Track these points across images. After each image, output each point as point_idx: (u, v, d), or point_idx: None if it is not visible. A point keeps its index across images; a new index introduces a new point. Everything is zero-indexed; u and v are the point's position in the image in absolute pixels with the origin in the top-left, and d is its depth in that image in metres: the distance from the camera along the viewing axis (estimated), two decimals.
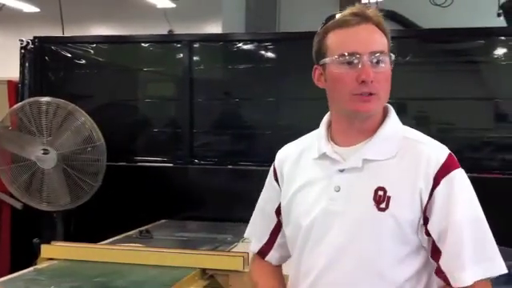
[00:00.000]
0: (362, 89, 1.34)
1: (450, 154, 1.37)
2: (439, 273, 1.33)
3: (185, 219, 3.96)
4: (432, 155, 1.35)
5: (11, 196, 4.07)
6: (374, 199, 1.34)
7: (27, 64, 4.33)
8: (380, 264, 1.34)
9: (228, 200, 3.89)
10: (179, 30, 7.85)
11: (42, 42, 4.35)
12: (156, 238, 3.39)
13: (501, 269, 1.32)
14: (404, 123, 1.47)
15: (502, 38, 3.77)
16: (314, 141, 1.48)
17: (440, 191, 1.32)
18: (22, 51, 4.33)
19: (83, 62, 4.38)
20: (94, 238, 3.12)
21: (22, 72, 4.34)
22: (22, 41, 4.32)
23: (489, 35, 3.81)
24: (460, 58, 3.88)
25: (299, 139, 1.57)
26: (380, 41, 1.37)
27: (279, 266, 1.63)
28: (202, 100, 4.19)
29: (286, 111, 4.06)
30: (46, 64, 4.36)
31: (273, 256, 1.60)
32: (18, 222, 4.27)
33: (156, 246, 3.09)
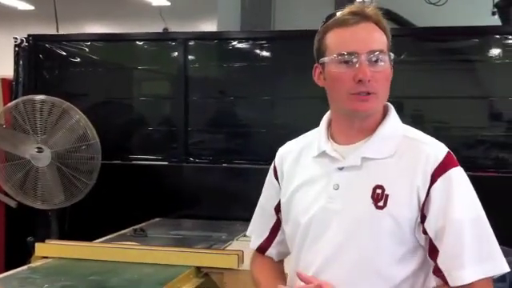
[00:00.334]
0: (360, 88, 1.34)
1: (448, 152, 1.37)
2: (437, 272, 1.33)
3: (179, 217, 3.96)
4: (430, 153, 1.35)
5: (5, 194, 4.05)
6: (372, 197, 1.35)
7: (21, 62, 4.31)
8: (377, 262, 1.34)
9: (223, 198, 3.89)
10: (174, 28, 7.84)
11: (36, 40, 4.34)
12: (151, 237, 3.39)
13: (503, 268, 1.32)
14: None
15: (497, 36, 3.77)
16: (315, 139, 1.49)
17: (437, 189, 1.32)
18: (17, 49, 4.31)
19: (78, 60, 4.37)
20: (88, 236, 3.11)
21: (16, 70, 4.32)
22: (16, 39, 4.30)
23: (483, 34, 3.82)
24: (455, 56, 3.89)
25: (300, 137, 1.57)
26: (379, 39, 1.37)
27: (280, 262, 1.64)
28: (196, 98, 4.18)
29: (281, 110, 4.07)
30: (40, 62, 4.35)
31: (272, 252, 1.61)
32: (13, 221, 4.26)
33: (151, 244, 3.09)
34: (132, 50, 4.42)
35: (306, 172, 1.47)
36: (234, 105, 4.22)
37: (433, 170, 1.33)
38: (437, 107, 3.82)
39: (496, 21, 6.14)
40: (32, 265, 2.74)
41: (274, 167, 1.57)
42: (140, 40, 4.37)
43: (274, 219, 1.58)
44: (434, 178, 1.33)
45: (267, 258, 1.62)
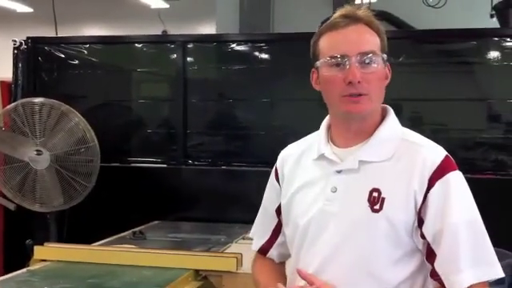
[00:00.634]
0: (350, 90, 1.34)
1: (446, 156, 1.37)
2: (434, 276, 1.33)
3: (178, 220, 3.95)
4: (428, 157, 1.35)
5: (4, 197, 4.05)
6: (369, 200, 1.35)
7: (20, 64, 4.31)
8: (374, 265, 1.35)
9: (222, 201, 3.89)
10: (173, 30, 7.86)
11: (35, 43, 4.34)
12: (149, 239, 3.39)
13: (497, 273, 1.32)
14: None
15: (495, 38, 3.78)
16: (315, 141, 1.50)
17: (434, 193, 1.32)
18: (15, 52, 4.31)
19: (77, 62, 4.37)
20: (87, 239, 3.11)
21: (15, 72, 4.32)
22: (15, 41, 4.30)
23: (482, 36, 3.82)
24: (453, 58, 3.90)
25: (301, 139, 1.58)
26: (370, 41, 1.37)
27: (281, 264, 1.64)
28: (195, 101, 4.18)
29: (280, 112, 4.07)
30: (39, 64, 4.35)
31: (273, 254, 1.61)
32: (11, 223, 4.26)
33: (149, 247, 3.09)
34: (131, 53, 4.42)
35: (306, 174, 1.48)
36: (233, 107, 4.22)
37: (430, 173, 1.33)
38: (435, 109, 3.82)
39: (494, 23, 6.15)
40: (31, 268, 2.73)
41: (276, 169, 1.59)
42: (139, 42, 4.37)
43: (275, 221, 1.59)
44: (432, 182, 1.33)
45: (268, 260, 1.62)
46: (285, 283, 1.52)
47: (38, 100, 3.75)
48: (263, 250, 1.63)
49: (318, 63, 1.40)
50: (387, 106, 1.46)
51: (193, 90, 4.16)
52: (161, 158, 4.20)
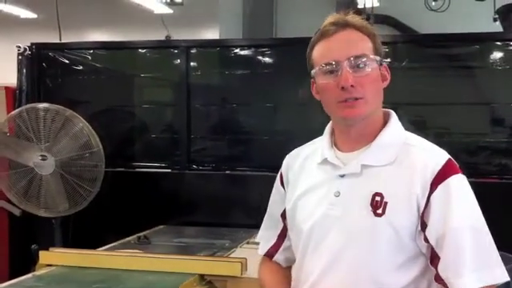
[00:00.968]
0: (345, 95, 1.36)
1: (449, 159, 1.37)
2: (438, 280, 1.33)
3: (183, 225, 3.96)
4: (430, 161, 1.35)
5: (9, 202, 4.07)
6: (371, 205, 1.35)
7: (24, 70, 4.32)
8: (376, 270, 1.35)
9: (226, 205, 3.90)
10: (176, 35, 7.86)
11: (39, 49, 4.35)
12: (154, 244, 3.39)
13: (502, 277, 1.31)
14: None
15: (498, 43, 3.78)
16: (319, 146, 1.51)
17: (437, 197, 1.32)
18: (20, 57, 4.32)
19: (81, 68, 4.39)
20: (92, 244, 3.12)
21: (19, 78, 4.33)
22: (19, 47, 4.32)
23: (485, 40, 3.82)
24: (456, 62, 3.89)
25: (307, 144, 1.59)
26: (360, 45, 1.38)
27: (288, 268, 1.64)
28: (199, 106, 4.19)
29: (284, 117, 4.08)
30: (43, 70, 4.37)
31: (279, 258, 1.62)
32: (16, 229, 4.27)
33: (154, 251, 3.09)
34: (134, 58, 4.44)
35: (310, 179, 1.49)
36: (237, 112, 4.23)
37: (432, 177, 1.33)
38: (439, 113, 3.82)
39: (497, 27, 6.15)
40: (36, 273, 2.74)
41: (281, 174, 1.59)
42: (142, 48, 4.39)
43: (280, 226, 1.60)
44: (434, 185, 1.33)
45: (275, 264, 1.63)
46: (289, 286, 1.53)
47: (42, 105, 3.77)
48: (269, 255, 1.63)
49: (313, 73, 1.43)
50: (390, 111, 1.47)
51: (196, 94, 4.17)
52: (165, 162, 4.20)
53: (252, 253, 3.02)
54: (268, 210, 1.65)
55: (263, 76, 4.13)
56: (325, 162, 1.46)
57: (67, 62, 4.37)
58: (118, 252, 3.03)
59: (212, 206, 3.95)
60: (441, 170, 1.34)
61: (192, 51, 4.20)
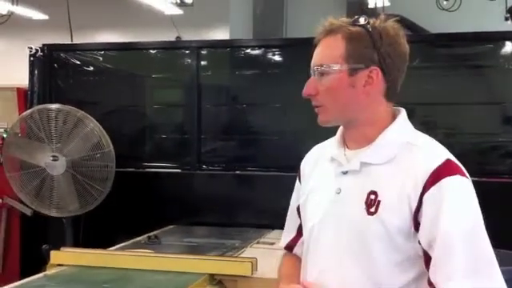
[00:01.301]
0: (312, 102, 1.45)
1: (446, 160, 1.33)
2: (430, 284, 1.29)
3: (193, 225, 3.97)
4: (426, 161, 1.33)
5: (21, 202, 4.09)
6: (366, 203, 1.35)
7: (36, 71, 4.36)
8: (373, 269, 1.34)
9: (236, 205, 3.90)
10: (187, 36, 7.89)
11: (50, 50, 4.38)
12: (164, 244, 3.40)
13: (496, 285, 1.26)
14: None
15: (510, 42, 3.75)
16: (331, 144, 1.53)
17: (429, 198, 1.29)
18: (31, 59, 4.36)
19: (92, 68, 4.41)
20: (102, 243, 3.13)
21: (31, 79, 4.36)
22: (30, 48, 4.35)
23: (496, 39, 3.80)
24: (468, 62, 3.87)
25: (325, 141, 1.61)
26: (326, 53, 1.41)
27: None
28: (209, 106, 4.20)
29: (293, 117, 4.07)
30: (54, 71, 4.39)
31: (298, 251, 1.62)
32: (28, 229, 4.30)
33: (164, 251, 3.10)
34: (145, 59, 4.45)
35: (320, 175, 1.51)
36: (247, 112, 4.23)
37: (426, 178, 1.30)
38: (450, 113, 3.80)
39: (509, 26, 6.11)
40: (47, 272, 2.76)
41: (299, 169, 1.62)
42: (153, 48, 4.40)
43: (298, 220, 1.61)
44: (426, 186, 1.29)
45: (294, 256, 1.64)
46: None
47: (53, 106, 3.80)
48: (289, 247, 1.65)
49: None
50: (400, 109, 1.45)
51: (206, 95, 4.18)
52: (175, 163, 4.21)
53: (262, 252, 3.03)
54: (290, 203, 1.67)
55: (273, 76, 4.12)
56: (332, 159, 1.47)
57: (78, 62, 4.39)
58: (129, 252, 3.04)
59: (222, 206, 3.95)
60: (435, 171, 1.30)
61: (202, 52, 4.21)
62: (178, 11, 8.06)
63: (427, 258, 1.30)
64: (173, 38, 7.80)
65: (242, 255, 3.05)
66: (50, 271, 2.78)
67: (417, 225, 1.31)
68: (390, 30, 1.41)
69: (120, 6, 8.73)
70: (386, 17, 1.44)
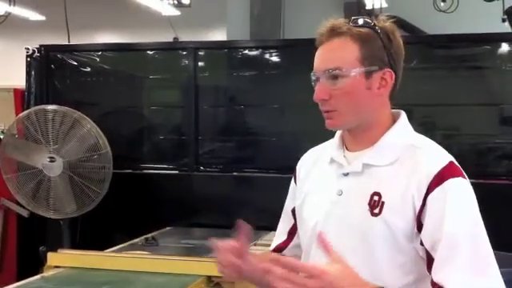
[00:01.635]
0: (322, 107, 1.40)
1: (450, 162, 1.34)
2: (433, 285, 1.29)
3: (190, 226, 3.96)
4: (430, 163, 1.33)
5: (17, 204, 4.08)
6: (369, 204, 1.35)
7: (33, 72, 4.35)
8: (376, 269, 1.33)
9: (233, 207, 3.89)
10: (184, 37, 7.90)
11: (48, 51, 4.37)
12: (162, 246, 3.39)
13: (498, 285, 1.27)
14: None
15: (507, 43, 3.76)
16: (330, 146, 1.52)
17: (433, 200, 1.29)
18: (28, 59, 4.34)
19: (89, 69, 4.40)
20: (100, 245, 3.12)
21: (28, 80, 4.35)
22: (27, 49, 4.34)
23: (494, 41, 3.80)
24: (465, 63, 3.88)
25: (323, 143, 1.60)
26: (338, 56, 1.37)
27: None
28: (207, 107, 4.19)
29: (291, 118, 4.07)
30: (51, 72, 4.38)
31: (287, 254, 1.61)
32: (25, 230, 4.28)
33: (162, 253, 3.10)
34: (142, 60, 4.45)
35: (318, 177, 1.50)
36: (244, 113, 4.22)
37: (429, 179, 1.30)
38: (448, 114, 3.80)
39: (506, 28, 6.12)
40: (45, 274, 2.75)
41: (296, 169, 1.61)
42: (150, 49, 4.40)
43: (291, 222, 1.60)
44: (430, 188, 1.30)
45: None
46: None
47: (50, 107, 3.79)
48: (278, 250, 1.64)
49: None
50: (400, 112, 1.46)
51: (204, 96, 4.17)
52: (172, 164, 4.21)
53: (259, 255, 3.01)
54: (285, 204, 1.66)
55: (271, 77, 4.12)
56: (332, 160, 1.47)
57: (76, 63, 4.38)
58: (126, 253, 3.04)
59: (220, 207, 3.95)
60: (439, 172, 1.31)
61: (200, 53, 4.21)
62: (176, 12, 8.07)
63: (429, 259, 1.30)
64: (170, 39, 7.80)
65: None
66: (47, 273, 2.77)
67: (419, 226, 1.31)
68: (395, 31, 1.42)
69: (117, 7, 8.74)
70: (386, 18, 1.43)
